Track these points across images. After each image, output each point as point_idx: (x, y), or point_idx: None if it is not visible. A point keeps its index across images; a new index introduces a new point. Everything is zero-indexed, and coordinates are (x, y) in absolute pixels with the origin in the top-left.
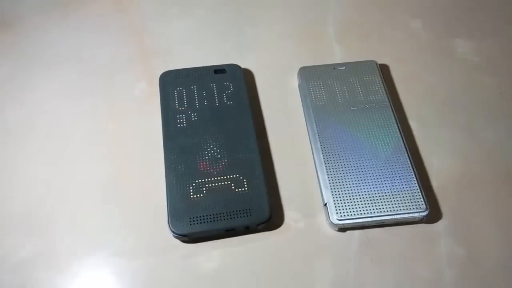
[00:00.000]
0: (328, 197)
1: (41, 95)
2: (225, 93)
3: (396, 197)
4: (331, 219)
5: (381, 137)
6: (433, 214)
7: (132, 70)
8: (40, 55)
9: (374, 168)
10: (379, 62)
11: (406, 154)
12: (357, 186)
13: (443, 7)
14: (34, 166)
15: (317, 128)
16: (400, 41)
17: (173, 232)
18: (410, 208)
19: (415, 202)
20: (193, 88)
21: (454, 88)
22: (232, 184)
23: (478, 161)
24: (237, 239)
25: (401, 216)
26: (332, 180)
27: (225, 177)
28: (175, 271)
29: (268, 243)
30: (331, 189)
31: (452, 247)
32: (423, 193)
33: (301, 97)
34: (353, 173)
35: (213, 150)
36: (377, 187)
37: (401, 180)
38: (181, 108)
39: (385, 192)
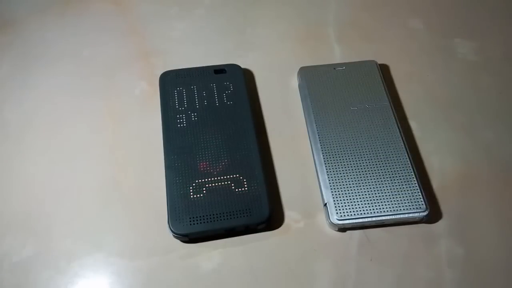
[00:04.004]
0: (328, 197)
1: (41, 94)
2: (225, 93)
3: (396, 197)
4: (331, 219)
5: (381, 137)
6: (433, 214)
7: (132, 70)
8: (39, 54)
9: (374, 168)
10: (379, 62)
11: (406, 154)
12: (357, 186)
13: (443, 7)
14: (34, 165)
15: (317, 128)
16: (400, 41)
17: (173, 232)
18: (410, 208)
19: (415, 202)
20: (193, 88)
21: (454, 88)
22: (232, 184)
23: (478, 161)
24: (237, 239)
25: (401, 216)
26: (332, 180)
27: (225, 177)
28: (175, 271)
29: (268, 243)
30: (331, 189)
31: (452, 247)
32: (423, 193)
33: (301, 97)
34: (353, 173)
35: (213, 150)
36: (377, 187)
37: (401, 180)
38: (181, 108)
39: (385, 192)
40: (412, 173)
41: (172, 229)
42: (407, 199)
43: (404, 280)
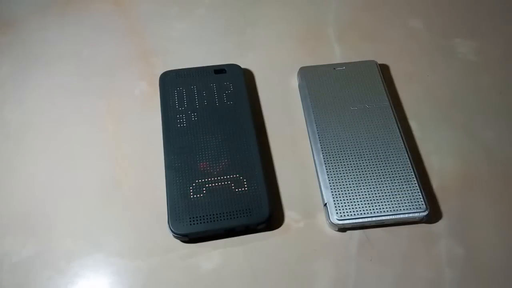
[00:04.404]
0: (328, 197)
1: (41, 94)
2: (225, 93)
3: (396, 197)
4: (331, 219)
5: (381, 137)
6: (433, 214)
7: (132, 69)
8: (39, 54)
9: (374, 168)
10: (379, 62)
11: (406, 154)
12: (357, 186)
13: (443, 7)
14: (34, 165)
15: (317, 128)
16: (400, 41)
17: (173, 232)
18: (410, 208)
19: (415, 202)
20: (193, 88)
21: (454, 88)
22: (232, 184)
23: (478, 161)
24: (237, 239)
25: (401, 216)
26: (332, 180)
27: (225, 177)
28: (175, 271)
29: (268, 243)
30: (331, 189)
31: (452, 247)
32: (423, 193)
33: (301, 97)
34: (353, 173)
35: (213, 150)
36: (377, 187)
37: (401, 180)
38: (181, 108)
39: (385, 192)
40: (412, 173)
41: (172, 229)
42: (407, 199)
43: (404, 280)
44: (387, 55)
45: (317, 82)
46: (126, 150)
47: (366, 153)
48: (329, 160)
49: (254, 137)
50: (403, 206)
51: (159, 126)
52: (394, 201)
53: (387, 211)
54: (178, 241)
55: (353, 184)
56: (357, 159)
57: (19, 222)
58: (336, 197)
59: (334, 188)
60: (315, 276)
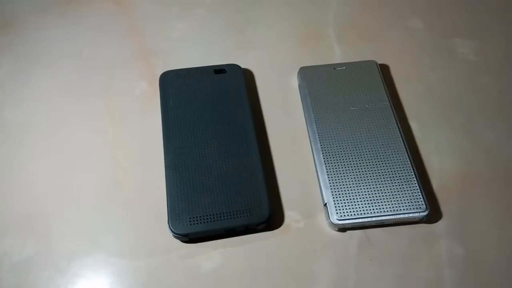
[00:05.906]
0: (328, 197)
1: (41, 94)
2: (225, 93)
3: (396, 197)
4: (331, 219)
5: (381, 137)
6: (433, 214)
7: (132, 69)
8: (39, 54)
9: (374, 168)
10: (379, 62)
11: (406, 154)
12: (357, 186)
13: (443, 7)
14: (34, 165)
15: (317, 128)
16: (400, 41)
17: (173, 232)
18: (410, 208)
19: (415, 202)
20: (193, 88)
21: (454, 88)
22: (232, 184)
23: (478, 161)
24: (237, 239)
25: (401, 216)
26: (332, 180)
27: (225, 177)
28: (175, 271)
29: (268, 243)
30: (331, 189)
31: (452, 247)
32: (423, 193)
33: (301, 97)
34: (353, 173)
35: (213, 150)
36: (377, 187)
37: (401, 180)
38: (181, 108)
39: (385, 192)
40: (412, 173)
41: (172, 229)
42: (407, 199)
43: (404, 280)
44: (387, 55)
45: (317, 82)
46: (126, 150)
47: (366, 153)
48: (329, 160)
49: (254, 137)
50: (403, 206)
51: (159, 126)
52: (394, 201)
53: (387, 211)
54: (178, 241)
55: (353, 184)
56: (357, 159)
57: (19, 222)
58: (336, 197)
59: (334, 188)
60: (315, 276)
